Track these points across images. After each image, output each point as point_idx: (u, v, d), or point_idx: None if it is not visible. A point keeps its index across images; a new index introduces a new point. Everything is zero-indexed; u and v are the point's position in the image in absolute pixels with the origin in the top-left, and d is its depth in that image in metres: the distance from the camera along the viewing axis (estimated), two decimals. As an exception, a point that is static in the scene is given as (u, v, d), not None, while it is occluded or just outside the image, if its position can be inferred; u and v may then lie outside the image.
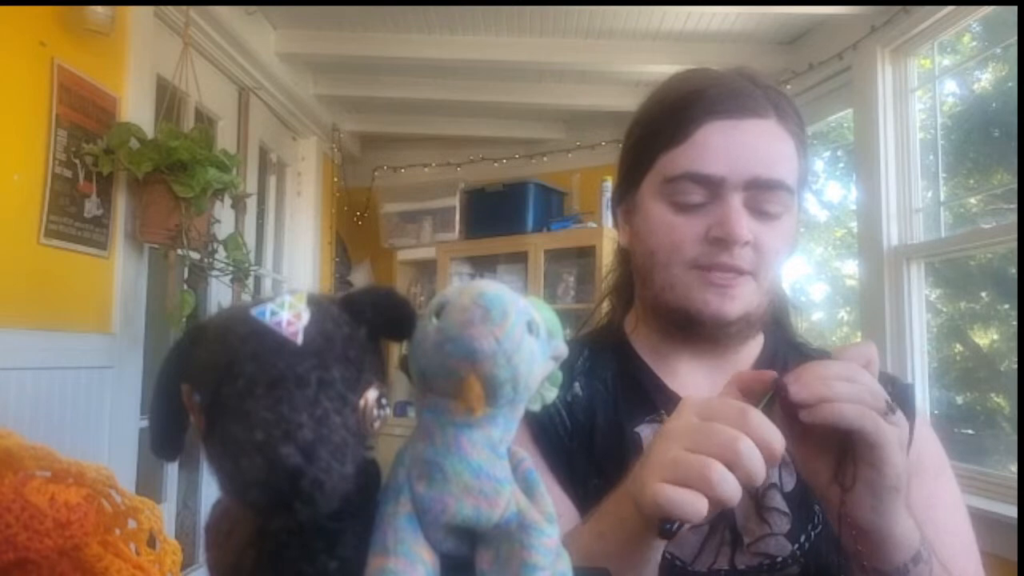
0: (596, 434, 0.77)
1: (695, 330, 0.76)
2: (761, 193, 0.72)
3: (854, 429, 0.54)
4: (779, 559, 0.70)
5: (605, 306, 0.95)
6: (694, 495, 0.49)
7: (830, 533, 0.71)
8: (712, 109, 0.73)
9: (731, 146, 0.72)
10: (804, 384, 0.55)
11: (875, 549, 0.59)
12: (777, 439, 0.51)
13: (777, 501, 0.71)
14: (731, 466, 0.50)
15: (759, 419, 0.51)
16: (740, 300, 0.73)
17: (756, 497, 0.72)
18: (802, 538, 0.71)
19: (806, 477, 0.62)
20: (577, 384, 0.80)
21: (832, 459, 0.58)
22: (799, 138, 0.77)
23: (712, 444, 0.51)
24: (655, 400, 0.78)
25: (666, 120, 0.76)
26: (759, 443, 0.50)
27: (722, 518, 0.70)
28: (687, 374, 0.80)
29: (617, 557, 0.57)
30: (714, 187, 0.72)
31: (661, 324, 0.80)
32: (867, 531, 0.58)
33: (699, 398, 0.56)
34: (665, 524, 0.51)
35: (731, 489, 0.49)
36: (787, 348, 0.85)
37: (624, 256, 0.88)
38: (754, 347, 0.83)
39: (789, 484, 0.72)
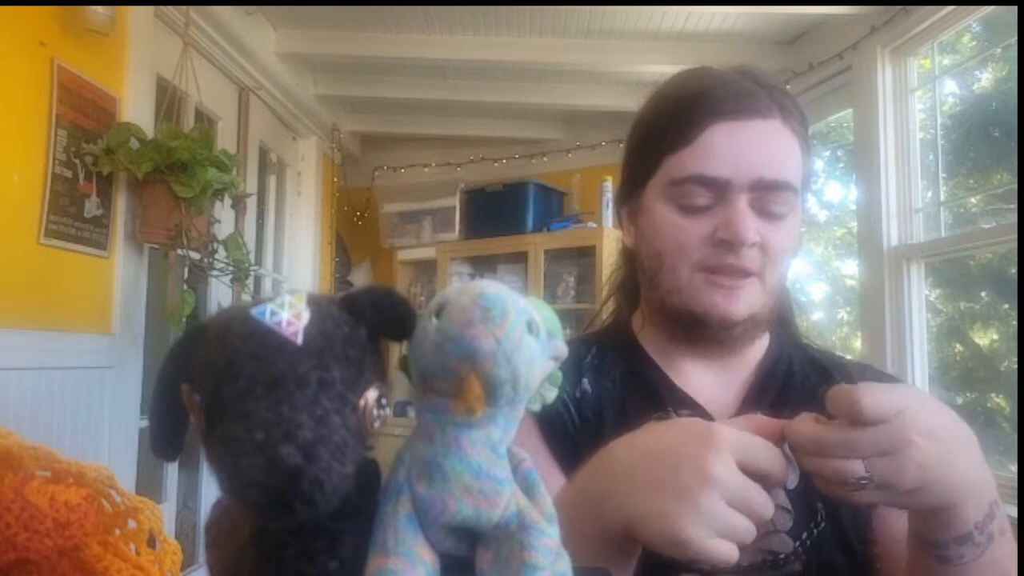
0: (604, 431, 0.77)
1: (701, 332, 0.76)
2: (767, 194, 0.73)
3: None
4: (781, 556, 0.70)
5: (610, 305, 0.95)
6: (732, 548, 0.51)
7: (832, 531, 0.71)
8: (716, 111, 0.73)
9: (736, 148, 0.72)
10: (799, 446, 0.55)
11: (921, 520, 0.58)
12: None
13: (780, 498, 0.72)
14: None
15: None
16: (746, 302, 0.74)
17: None
18: (804, 535, 0.71)
19: None
20: (585, 380, 0.81)
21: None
22: (802, 137, 0.77)
23: (752, 509, 0.52)
24: (663, 398, 0.78)
25: (670, 122, 0.76)
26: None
27: None
28: (694, 373, 0.81)
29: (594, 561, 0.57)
30: (720, 189, 0.73)
31: (667, 325, 0.81)
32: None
33: (733, 436, 0.54)
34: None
35: (746, 531, 0.52)
36: (792, 348, 0.86)
37: (629, 256, 0.88)
38: (760, 347, 0.84)
39: (793, 481, 0.73)
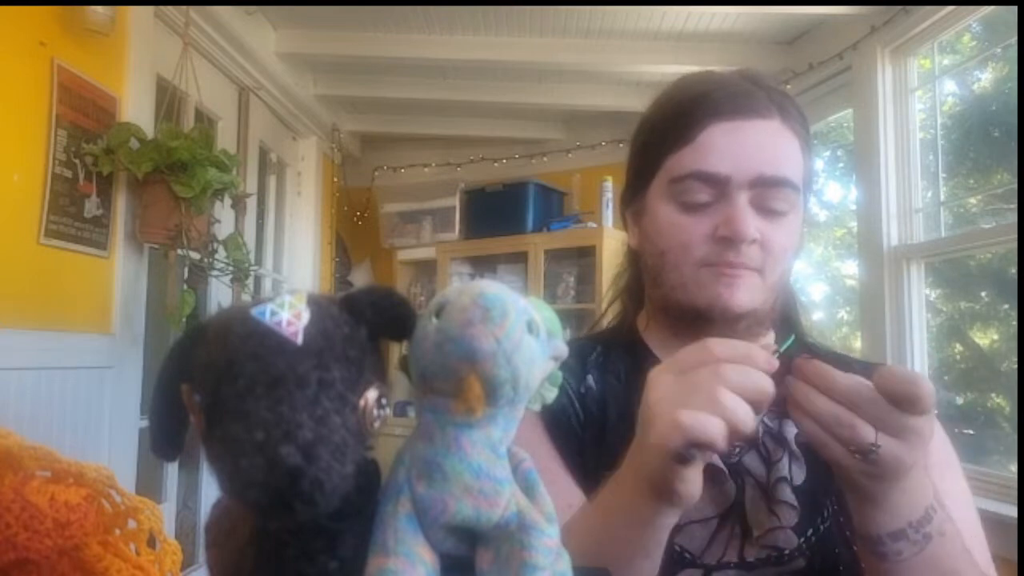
0: (608, 426, 0.78)
1: (705, 326, 0.77)
2: (767, 191, 0.74)
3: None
4: (786, 552, 0.71)
5: (615, 307, 0.96)
6: (712, 418, 0.50)
7: (838, 527, 0.72)
8: (716, 111, 0.75)
9: (736, 146, 0.74)
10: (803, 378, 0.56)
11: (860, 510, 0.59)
12: (752, 354, 0.54)
13: (787, 494, 0.72)
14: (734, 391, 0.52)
15: (723, 347, 0.55)
16: (747, 292, 0.75)
17: (766, 490, 0.73)
18: (809, 531, 0.71)
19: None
20: (590, 376, 0.82)
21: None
22: (803, 138, 0.78)
23: (703, 383, 0.53)
24: None
25: (671, 123, 0.78)
26: (739, 361, 0.54)
27: (732, 510, 0.72)
28: None
29: (628, 544, 0.58)
30: (720, 186, 0.74)
31: (671, 322, 0.82)
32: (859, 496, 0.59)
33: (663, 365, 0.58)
34: (685, 450, 0.51)
35: (743, 411, 0.51)
36: (797, 347, 0.86)
37: (634, 257, 0.90)
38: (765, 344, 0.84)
39: (799, 478, 0.73)
